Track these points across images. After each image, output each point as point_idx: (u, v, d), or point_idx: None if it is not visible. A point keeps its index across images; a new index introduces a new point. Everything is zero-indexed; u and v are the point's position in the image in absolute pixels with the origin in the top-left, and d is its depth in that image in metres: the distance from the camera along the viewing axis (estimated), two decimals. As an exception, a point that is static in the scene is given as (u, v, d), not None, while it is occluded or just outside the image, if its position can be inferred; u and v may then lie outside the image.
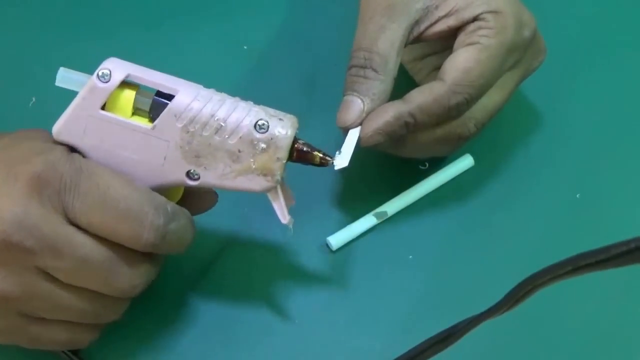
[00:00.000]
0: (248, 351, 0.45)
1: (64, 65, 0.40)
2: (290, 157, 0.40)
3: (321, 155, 0.41)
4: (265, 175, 0.39)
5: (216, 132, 0.39)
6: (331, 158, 0.41)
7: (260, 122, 0.39)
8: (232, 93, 0.52)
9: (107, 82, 0.38)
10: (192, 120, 0.39)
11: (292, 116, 0.40)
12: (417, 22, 0.45)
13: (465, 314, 0.47)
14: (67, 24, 0.55)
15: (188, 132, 0.39)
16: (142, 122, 0.39)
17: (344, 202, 0.49)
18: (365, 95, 0.44)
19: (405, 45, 0.45)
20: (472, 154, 0.50)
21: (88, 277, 0.38)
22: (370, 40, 0.44)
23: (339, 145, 0.46)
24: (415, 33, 0.45)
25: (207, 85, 0.40)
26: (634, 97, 0.54)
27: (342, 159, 0.42)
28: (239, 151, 0.39)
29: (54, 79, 0.39)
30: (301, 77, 0.53)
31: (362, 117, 0.44)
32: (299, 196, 0.42)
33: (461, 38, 0.44)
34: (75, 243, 0.37)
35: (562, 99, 0.54)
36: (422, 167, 0.49)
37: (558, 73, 0.51)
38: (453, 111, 0.43)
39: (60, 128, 0.39)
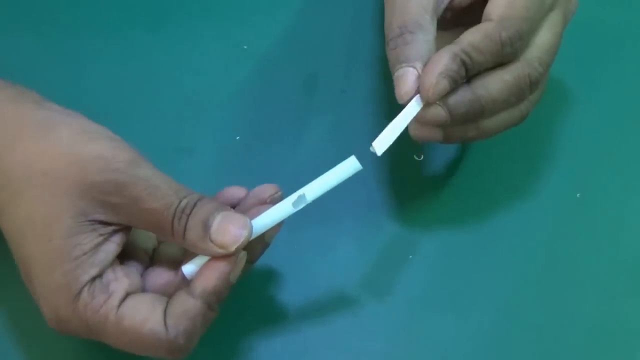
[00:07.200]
0: (247, 352, 0.45)
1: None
2: None
3: None
4: None
5: None
6: None
7: None
8: (233, 93, 0.53)
9: None
10: None
11: None
12: None
13: (466, 314, 0.47)
14: (67, 24, 0.54)
15: None
16: None
17: (344, 201, 0.49)
18: (415, 60, 0.42)
19: (438, 17, 0.44)
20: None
21: None
22: (400, 11, 0.43)
23: (339, 146, 0.46)
24: (446, 1, 0.44)
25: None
26: (634, 96, 0.54)
27: (383, 141, 0.39)
28: None
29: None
30: (301, 77, 0.53)
31: None
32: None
33: None
34: None
35: (561, 98, 0.54)
36: (417, 159, 0.48)
37: (557, 72, 0.51)
38: (507, 47, 0.42)
39: None
